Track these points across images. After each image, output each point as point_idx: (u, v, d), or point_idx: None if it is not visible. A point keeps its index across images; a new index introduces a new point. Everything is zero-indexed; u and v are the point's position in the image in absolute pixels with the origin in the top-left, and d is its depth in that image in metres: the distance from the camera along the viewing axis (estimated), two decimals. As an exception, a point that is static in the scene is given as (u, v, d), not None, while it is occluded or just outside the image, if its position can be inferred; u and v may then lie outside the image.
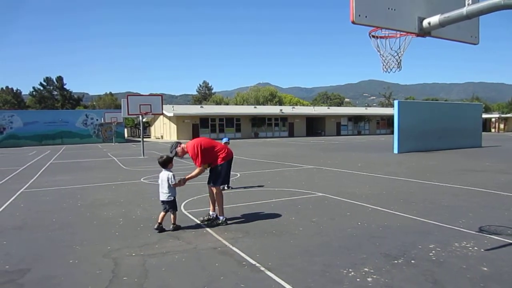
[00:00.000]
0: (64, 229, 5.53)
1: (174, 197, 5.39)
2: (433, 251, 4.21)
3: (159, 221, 5.31)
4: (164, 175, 5.36)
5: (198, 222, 5.68)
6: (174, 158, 5.52)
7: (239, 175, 11.03)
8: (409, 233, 4.92)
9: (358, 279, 3.50)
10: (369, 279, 3.49)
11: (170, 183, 5.29)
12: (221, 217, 5.59)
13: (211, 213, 5.74)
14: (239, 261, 4.04)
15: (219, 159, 5.61)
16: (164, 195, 5.33)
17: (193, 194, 7.94)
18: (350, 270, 3.73)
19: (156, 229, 5.25)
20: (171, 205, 5.33)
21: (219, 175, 5.60)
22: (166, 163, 5.42)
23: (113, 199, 7.76)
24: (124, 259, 4.20)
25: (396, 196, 7.49)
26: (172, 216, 5.35)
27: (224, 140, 8.42)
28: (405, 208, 6.33)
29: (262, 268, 3.81)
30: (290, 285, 3.41)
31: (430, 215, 5.81)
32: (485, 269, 3.69)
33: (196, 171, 5.48)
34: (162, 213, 5.35)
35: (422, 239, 4.66)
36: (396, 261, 3.93)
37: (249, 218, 5.90)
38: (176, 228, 5.32)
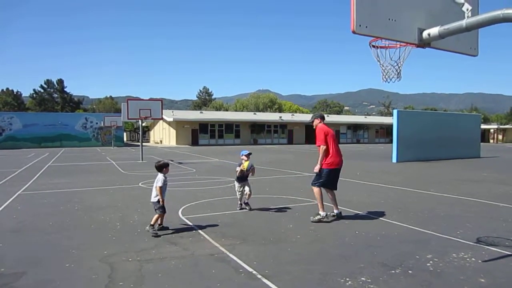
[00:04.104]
0: (61, 233, 5.51)
1: (158, 199, 5.39)
2: (431, 262, 4.20)
3: (152, 222, 5.40)
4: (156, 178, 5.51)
5: (196, 228, 5.66)
6: (168, 164, 5.77)
7: (237, 181, 11.00)
8: (407, 243, 4.91)
9: (355, 289, 3.49)
10: (366, 289, 3.48)
11: (156, 185, 5.41)
12: (321, 213, 6.01)
13: (335, 211, 6.25)
14: (236, 268, 4.03)
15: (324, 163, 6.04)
16: (152, 196, 5.48)
17: (191, 200, 7.93)
18: (348, 279, 3.71)
19: (161, 229, 5.41)
20: (157, 206, 5.38)
21: (320, 177, 6.10)
22: (161, 168, 5.57)
23: (111, 203, 7.74)
24: (120, 264, 4.18)
25: (394, 205, 7.48)
26: (155, 216, 5.37)
27: (243, 152, 6.99)
28: (403, 218, 6.32)
29: (259, 276, 3.80)
30: (287, 293, 3.40)
31: (428, 225, 5.81)
32: (483, 280, 3.69)
33: (320, 152, 6.07)
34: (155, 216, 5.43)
35: (419, 249, 4.65)
36: (393, 271, 3.92)
37: (247, 225, 5.89)
38: (157, 232, 5.24)
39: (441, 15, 3.62)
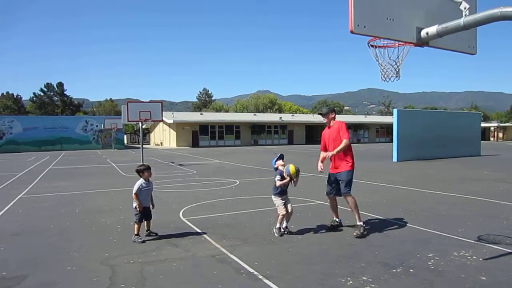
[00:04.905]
0: (62, 236, 5.52)
1: (136, 206, 5.21)
2: (432, 260, 4.20)
3: (145, 228, 5.32)
4: None
5: (197, 229, 5.66)
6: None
7: (238, 182, 11.02)
8: (408, 242, 4.91)
9: (356, 288, 3.49)
10: (368, 288, 3.48)
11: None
12: (359, 223, 5.41)
13: (337, 220, 5.80)
14: (237, 269, 4.03)
15: (349, 164, 5.59)
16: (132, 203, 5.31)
17: (192, 201, 7.93)
18: (349, 278, 3.71)
19: (148, 235, 5.28)
20: (134, 213, 5.22)
21: (349, 182, 5.56)
22: (138, 172, 5.38)
23: (112, 206, 7.74)
24: (121, 266, 4.19)
25: (394, 204, 7.48)
26: (135, 226, 5.16)
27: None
28: (403, 217, 6.32)
29: (260, 276, 3.80)
30: (288, 293, 3.40)
31: (429, 224, 5.81)
32: (484, 278, 3.69)
33: (342, 145, 5.47)
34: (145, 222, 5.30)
35: (420, 248, 4.65)
36: (394, 270, 3.92)
37: (247, 225, 5.89)
38: (137, 238, 5.08)
39: (439, 14, 3.62)
